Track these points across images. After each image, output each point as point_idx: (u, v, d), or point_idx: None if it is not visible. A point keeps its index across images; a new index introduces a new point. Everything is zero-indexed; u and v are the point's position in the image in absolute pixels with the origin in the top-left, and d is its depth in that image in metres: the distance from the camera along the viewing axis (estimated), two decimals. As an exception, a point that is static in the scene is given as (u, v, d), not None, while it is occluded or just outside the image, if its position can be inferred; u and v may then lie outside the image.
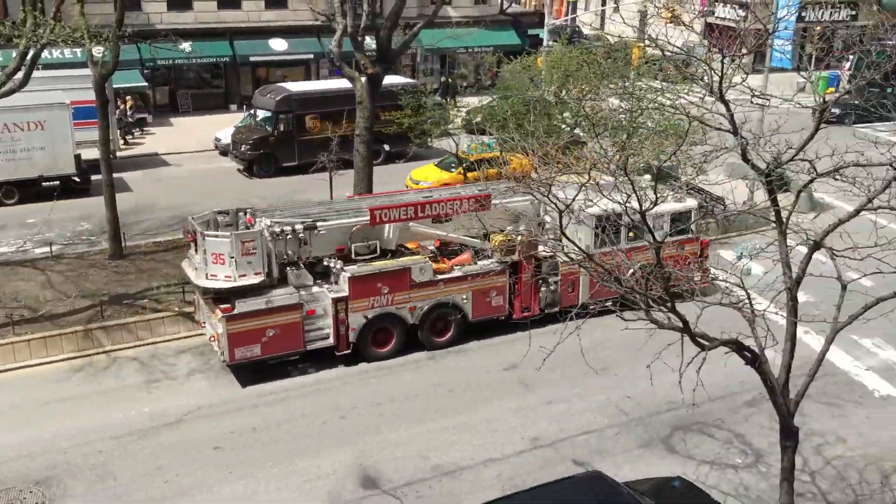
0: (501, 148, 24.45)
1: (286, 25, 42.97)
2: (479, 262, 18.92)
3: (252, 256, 16.78)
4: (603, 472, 12.77)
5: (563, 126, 25.17)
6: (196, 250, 17.67)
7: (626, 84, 24.58)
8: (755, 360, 10.54)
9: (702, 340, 10.16)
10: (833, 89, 43.07)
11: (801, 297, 13.64)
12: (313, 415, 16.61)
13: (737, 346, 10.41)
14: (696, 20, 37.94)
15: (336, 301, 17.52)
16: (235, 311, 16.74)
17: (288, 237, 17.28)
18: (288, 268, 17.52)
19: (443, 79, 40.07)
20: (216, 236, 17.01)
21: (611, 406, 16.95)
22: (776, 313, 11.04)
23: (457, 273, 18.63)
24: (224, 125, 37.60)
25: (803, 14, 52.32)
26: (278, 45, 42.96)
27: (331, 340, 17.81)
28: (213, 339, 17.61)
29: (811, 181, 11.20)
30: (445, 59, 48.07)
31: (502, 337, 19.48)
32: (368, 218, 17.85)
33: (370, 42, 27.62)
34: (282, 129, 33.13)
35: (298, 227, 17.42)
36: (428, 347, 18.82)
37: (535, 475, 14.53)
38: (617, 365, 18.21)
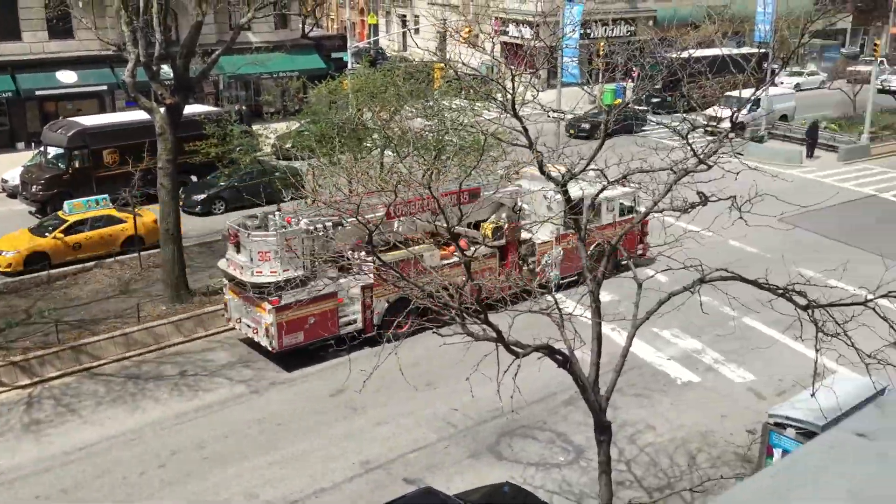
0: (313, 173, 24.29)
1: (74, 56, 40.56)
2: (472, 248, 20.91)
3: (293, 253, 18.27)
4: (434, 487, 12.89)
5: (373, 148, 25.35)
6: (239, 251, 18.98)
7: (430, 104, 25.13)
8: (566, 362, 11.03)
9: (515, 348, 10.50)
10: (620, 100, 46.08)
11: (605, 297, 14.53)
12: (130, 466, 15.68)
13: (548, 351, 10.84)
14: (491, 40, 39.41)
15: (364, 288, 19.50)
16: (283, 303, 18.29)
17: (319, 234, 18.86)
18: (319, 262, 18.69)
19: (237, 107, 39.23)
20: (263, 236, 18.45)
21: (438, 420, 17.16)
22: (581, 316, 11.61)
23: (457, 259, 19.57)
24: (11, 165, 34.94)
25: (588, 31, 55.77)
26: (67, 77, 40.48)
27: (359, 324, 19.48)
28: (254, 332, 19.04)
29: (603, 189, 11.90)
30: (250, 85, 47.17)
31: (325, 364, 19.28)
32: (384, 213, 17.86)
33: (167, 71, 26.61)
34: (77, 165, 31.22)
35: (329, 224, 18.83)
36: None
37: (367, 499, 14.44)
38: (442, 379, 18.48)
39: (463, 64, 12.63)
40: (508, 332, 10.52)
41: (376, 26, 74.75)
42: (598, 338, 11.43)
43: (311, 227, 18.89)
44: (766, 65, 40.57)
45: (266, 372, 19.18)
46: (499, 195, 20.73)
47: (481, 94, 13.82)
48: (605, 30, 57.67)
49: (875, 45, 48.96)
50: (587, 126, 41.06)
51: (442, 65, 28.40)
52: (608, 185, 12.11)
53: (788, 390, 17.95)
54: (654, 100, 47.37)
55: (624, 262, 11.80)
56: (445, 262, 20.20)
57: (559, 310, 10.79)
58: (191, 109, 26.30)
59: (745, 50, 47.54)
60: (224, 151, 27.81)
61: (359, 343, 16.14)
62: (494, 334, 10.33)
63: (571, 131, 40.24)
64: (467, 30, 33.66)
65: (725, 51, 36.33)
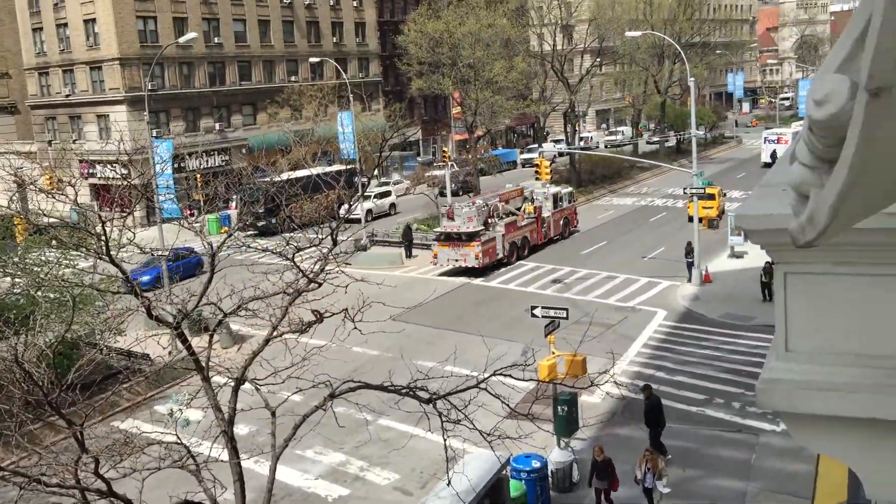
0: None
1: None
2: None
3: (481, 217, 38.68)
4: None
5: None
6: (453, 218, 38.52)
7: (14, 259, 22.74)
8: (211, 512, 10.32)
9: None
10: (226, 228, 46.04)
11: (243, 429, 14.05)
12: None
13: (188, 505, 10.07)
14: (73, 185, 37.07)
15: (503, 234, 39.55)
16: (485, 238, 38.35)
17: (483, 208, 39.24)
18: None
19: None
20: (468, 207, 38.65)
21: None
22: (217, 459, 11.01)
23: (525, 222, 41.86)
24: None
25: (182, 165, 55.32)
26: None
27: (502, 255, 39.53)
28: (464, 259, 38.33)
29: (219, 323, 11.58)
30: None
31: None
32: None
33: None
34: None
35: (491, 202, 40.42)
36: (518, 258, 40.95)
37: None
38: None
39: (44, 214, 11.63)
40: (139, 497, 9.57)
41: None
42: (240, 478, 10.91)
43: (483, 206, 39.34)
44: (356, 179, 43.53)
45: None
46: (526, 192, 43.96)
47: (72, 244, 12.79)
48: (200, 161, 57.68)
49: (444, 151, 55.30)
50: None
51: (22, 217, 25.94)
52: (226, 317, 11.82)
53: (430, 481, 18.72)
54: (260, 224, 48.08)
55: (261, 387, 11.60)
56: (520, 224, 41.52)
57: (193, 458, 10.11)
58: None
59: (335, 168, 50.54)
60: None
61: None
62: None
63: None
64: (48, 177, 31.40)
65: (317, 170, 38.29)
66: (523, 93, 67.18)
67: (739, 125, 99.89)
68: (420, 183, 57.48)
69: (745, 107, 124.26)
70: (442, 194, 53.39)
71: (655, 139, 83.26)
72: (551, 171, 46.78)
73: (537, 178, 44.04)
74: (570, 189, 48.10)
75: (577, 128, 70.97)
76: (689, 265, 35.78)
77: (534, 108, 67.23)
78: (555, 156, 68.23)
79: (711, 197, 46.56)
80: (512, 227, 40.58)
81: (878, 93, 2.06)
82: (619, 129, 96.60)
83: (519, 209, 42.31)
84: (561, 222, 45.16)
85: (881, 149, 2.12)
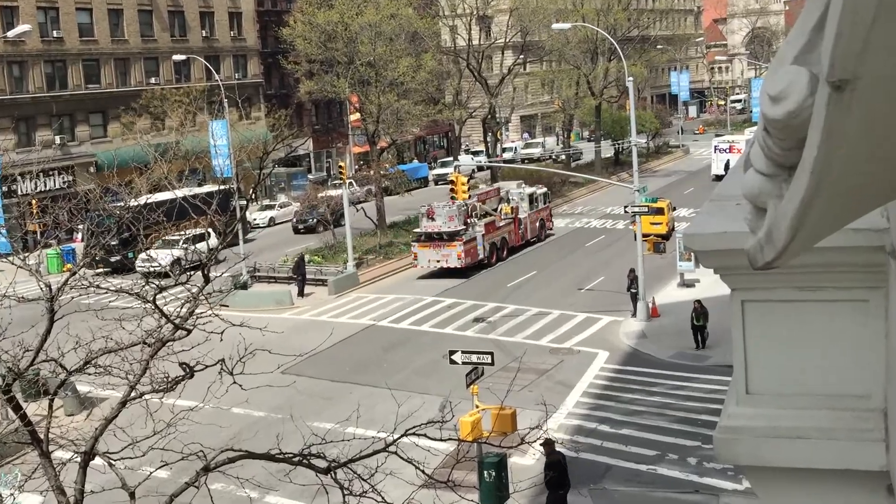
0: None
1: None
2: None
3: (461, 216, 44.24)
4: None
5: None
6: (434, 218, 44.35)
7: None
8: None
9: None
10: (70, 265, 44.74)
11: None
12: None
13: None
14: None
15: (483, 234, 45.31)
16: (467, 238, 44.01)
17: (465, 208, 44.82)
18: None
19: None
20: (449, 206, 44.39)
21: None
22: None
23: (503, 223, 48.18)
24: None
25: (13, 188, 53.66)
26: None
27: (483, 256, 45.51)
28: (445, 260, 43.98)
29: (62, 384, 11.21)
30: None
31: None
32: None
33: None
34: None
35: (471, 202, 45.99)
36: (498, 260, 47.56)
37: None
38: None
39: None
40: None
41: None
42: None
43: (463, 205, 44.72)
44: (232, 201, 43.01)
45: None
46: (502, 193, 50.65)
47: None
48: (36, 183, 56.07)
49: (340, 167, 55.23)
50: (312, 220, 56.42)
51: None
52: (70, 376, 11.45)
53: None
54: (113, 259, 46.97)
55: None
56: (498, 224, 47.56)
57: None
58: None
59: (207, 189, 49.86)
60: None
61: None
62: None
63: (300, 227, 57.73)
64: None
65: (184, 192, 37.69)
66: (434, 96, 68.02)
67: (686, 132, 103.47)
68: (314, 205, 57.19)
69: (692, 111, 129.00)
70: (296, 230, 55.82)
71: (574, 147, 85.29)
72: (469, 188, 47.77)
73: (453, 197, 45.08)
74: (544, 190, 54.86)
75: (498, 137, 72.12)
76: (634, 297, 36.59)
77: (447, 114, 68.15)
78: (473, 170, 69.13)
79: (660, 211, 47.95)
80: (491, 227, 46.80)
81: (841, 85, 2.10)
82: (538, 140, 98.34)
83: (495, 210, 48.57)
84: (537, 224, 51.89)
85: (847, 150, 2.17)
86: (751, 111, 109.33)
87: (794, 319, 3.40)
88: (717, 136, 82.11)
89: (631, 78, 41.22)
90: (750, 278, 3.33)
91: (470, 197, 46.90)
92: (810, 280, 3.29)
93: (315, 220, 56.53)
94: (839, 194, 2.28)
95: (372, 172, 60.43)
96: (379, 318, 38.33)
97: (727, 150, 68.23)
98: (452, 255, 43.67)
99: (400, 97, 57.83)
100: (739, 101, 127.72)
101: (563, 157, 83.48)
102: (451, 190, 45.43)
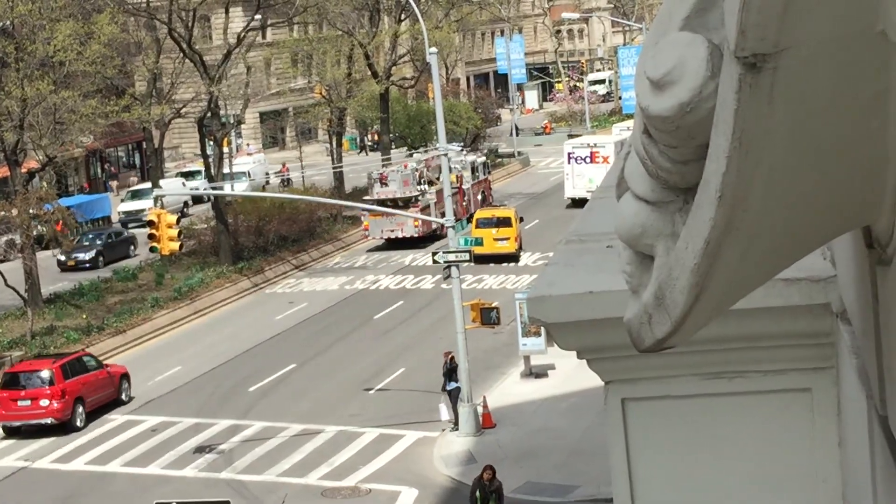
0: None
1: None
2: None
3: (415, 181, 65.13)
4: None
5: None
6: (387, 183, 60.74)
7: None
8: None
9: None
10: None
11: None
12: None
13: None
14: None
15: (435, 203, 59.27)
16: (422, 205, 59.58)
17: (416, 171, 64.39)
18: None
19: None
20: (402, 170, 64.25)
21: None
22: None
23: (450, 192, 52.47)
24: None
25: None
26: None
27: (437, 226, 55.00)
28: (401, 228, 57.90)
29: None
30: None
31: None
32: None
33: None
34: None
35: (420, 167, 65.46)
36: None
37: None
38: None
39: None
40: None
41: None
42: None
43: (415, 168, 62.94)
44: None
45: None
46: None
47: None
48: None
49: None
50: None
51: None
52: None
53: None
54: None
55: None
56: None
57: None
58: None
59: None
60: None
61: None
62: None
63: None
64: None
65: None
66: (118, 84, 62.02)
67: (523, 132, 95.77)
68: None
69: (531, 99, 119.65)
70: None
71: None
72: (182, 237, 43.20)
73: (152, 250, 40.36)
74: (484, 158, 68.21)
75: (224, 147, 64.57)
76: (453, 397, 33.79)
77: (139, 112, 60.13)
78: (186, 203, 66.39)
79: (506, 222, 48.84)
80: (441, 196, 51.47)
81: (757, 62, 1.96)
82: (250, 157, 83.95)
83: (438, 178, 55.23)
84: (479, 196, 64.33)
85: (771, 160, 2.03)
86: (620, 97, 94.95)
87: (701, 423, 3.27)
88: (571, 136, 78.88)
89: (434, 49, 38.73)
90: (632, 364, 3.17)
91: (396, 170, 61.65)
92: (724, 363, 3.18)
93: None
94: (763, 229, 2.15)
95: (15, 213, 48.92)
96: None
97: (587, 160, 64.32)
98: (408, 223, 56.13)
99: (59, 86, 50.23)
100: (602, 82, 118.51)
101: (336, 175, 73.21)
102: (151, 236, 38.31)
